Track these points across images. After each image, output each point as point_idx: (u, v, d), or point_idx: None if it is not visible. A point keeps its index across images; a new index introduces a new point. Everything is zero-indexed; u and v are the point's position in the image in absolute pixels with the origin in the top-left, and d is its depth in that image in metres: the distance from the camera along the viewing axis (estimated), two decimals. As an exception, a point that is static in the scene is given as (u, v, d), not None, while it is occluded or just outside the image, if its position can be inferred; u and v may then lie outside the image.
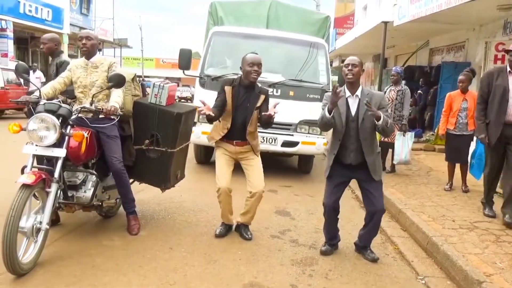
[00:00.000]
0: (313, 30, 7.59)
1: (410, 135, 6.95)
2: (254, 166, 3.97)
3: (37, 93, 3.48)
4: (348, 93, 3.56)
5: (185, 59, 6.27)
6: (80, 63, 3.75)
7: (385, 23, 9.95)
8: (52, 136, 3.19)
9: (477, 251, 3.76)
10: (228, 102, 3.84)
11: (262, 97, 3.90)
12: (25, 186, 2.91)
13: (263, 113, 3.77)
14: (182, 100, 29.54)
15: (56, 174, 3.22)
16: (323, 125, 3.59)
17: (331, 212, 3.73)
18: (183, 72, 6.37)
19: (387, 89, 7.12)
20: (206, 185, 5.69)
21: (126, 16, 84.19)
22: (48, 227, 3.14)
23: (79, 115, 3.52)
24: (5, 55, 16.26)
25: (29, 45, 20.93)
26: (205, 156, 7.25)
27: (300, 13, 7.81)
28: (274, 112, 3.70)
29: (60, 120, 3.24)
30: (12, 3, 16.72)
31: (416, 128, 11.41)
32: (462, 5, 6.95)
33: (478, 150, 5.54)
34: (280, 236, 4.23)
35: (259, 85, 3.98)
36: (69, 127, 3.34)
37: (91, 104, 3.52)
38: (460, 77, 5.97)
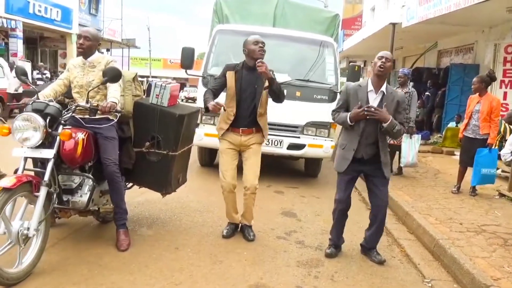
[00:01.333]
0: (322, 28, 7.42)
1: (417, 137, 6.93)
2: (252, 160, 3.96)
3: (38, 96, 3.30)
4: (370, 87, 3.53)
5: (187, 58, 6.10)
6: (78, 62, 3.60)
7: (393, 24, 9.92)
8: (36, 136, 3.03)
9: (485, 255, 3.73)
10: (230, 86, 3.84)
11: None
12: (4, 190, 2.74)
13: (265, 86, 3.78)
14: (190, 101, 29.61)
15: (46, 177, 3.02)
16: (339, 123, 3.69)
17: (344, 207, 3.74)
18: (185, 71, 6.21)
19: (394, 91, 7.09)
20: (213, 185, 5.68)
21: (134, 16, 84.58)
22: (35, 233, 2.96)
23: (75, 115, 3.38)
24: (15, 55, 16.40)
25: (38, 45, 21.12)
26: (209, 159, 7.15)
27: (308, 11, 7.63)
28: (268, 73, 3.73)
29: (48, 120, 3.08)
30: (21, 3, 16.85)
31: (423, 130, 11.36)
32: (471, 7, 6.90)
33: (476, 156, 5.68)
34: (286, 237, 4.22)
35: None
36: (60, 126, 3.17)
37: (86, 102, 3.33)
38: (473, 80, 5.99)
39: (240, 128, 3.91)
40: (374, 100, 3.53)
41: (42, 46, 21.41)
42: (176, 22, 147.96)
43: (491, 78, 5.92)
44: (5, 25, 15.81)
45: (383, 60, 3.47)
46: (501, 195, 5.97)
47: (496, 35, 9.55)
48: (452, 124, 10.46)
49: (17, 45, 16.57)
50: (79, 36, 3.54)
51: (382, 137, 3.58)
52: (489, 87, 6.15)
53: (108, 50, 26.67)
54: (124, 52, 29.72)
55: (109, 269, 3.21)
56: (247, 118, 3.89)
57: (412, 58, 14.50)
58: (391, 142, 6.60)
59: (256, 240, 4.04)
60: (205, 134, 6.14)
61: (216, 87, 3.93)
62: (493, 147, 5.79)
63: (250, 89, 3.85)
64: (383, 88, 3.53)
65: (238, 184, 3.99)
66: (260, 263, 3.56)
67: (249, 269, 3.41)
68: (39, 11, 17.85)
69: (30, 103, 3.19)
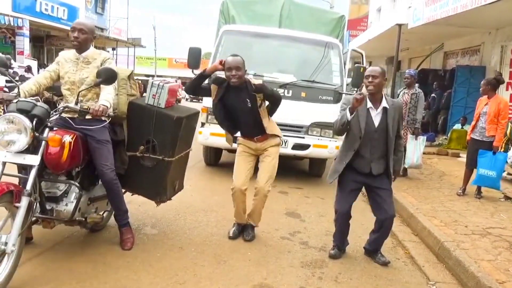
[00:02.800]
0: (327, 29, 7.46)
1: (422, 139, 6.91)
2: (266, 163, 3.95)
3: (16, 90, 3.04)
4: (369, 104, 3.49)
5: (194, 58, 6.11)
6: (70, 56, 3.31)
7: (399, 25, 9.87)
8: (22, 141, 2.72)
9: (490, 258, 3.72)
10: (212, 99, 3.82)
11: (260, 95, 3.77)
12: None
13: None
14: (194, 100, 29.65)
15: (28, 186, 2.70)
16: (339, 126, 3.48)
17: (344, 218, 3.70)
18: (192, 71, 6.24)
19: (401, 91, 7.07)
20: (218, 185, 5.69)
21: (140, 15, 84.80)
22: (14, 249, 2.65)
23: (64, 115, 3.15)
24: (21, 53, 16.50)
25: (45, 43, 21.23)
26: (215, 158, 7.12)
27: (313, 12, 7.68)
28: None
29: (35, 122, 2.77)
30: (28, 2, 16.97)
31: (428, 132, 11.31)
32: (478, 8, 6.86)
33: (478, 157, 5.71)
34: (290, 238, 4.22)
35: (252, 82, 3.78)
36: (47, 129, 2.87)
37: (76, 103, 3.04)
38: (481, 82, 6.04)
39: (254, 137, 3.92)
40: (376, 116, 3.51)
41: (49, 44, 21.52)
42: (182, 22, 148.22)
43: (497, 81, 5.88)
44: (12, 23, 15.92)
45: (370, 79, 3.42)
46: (507, 197, 5.94)
47: (503, 37, 9.50)
48: (457, 126, 10.42)
49: (24, 43, 16.68)
50: (73, 29, 3.24)
51: (390, 152, 3.55)
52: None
53: (114, 49, 26.77)
54: (130, 51, 29.83)
55: (113, 267, 3.21)
56: (255, 130, 3.89)
57: (418, 60, 14.44)
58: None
59: (260, 241, 4.04)
60: (211, 134, 6.14)
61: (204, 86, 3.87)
62: (499, 150, 5.75)
63: (245, 108, 3.74)
64: (384, 104, 3.50)
65: (250, 186, 3.95)
66: (264, 263, 3.56)
67: (253, 269, 3.41)
68: (46, 9, 17.96)
69: (15, 101, 2.86)
